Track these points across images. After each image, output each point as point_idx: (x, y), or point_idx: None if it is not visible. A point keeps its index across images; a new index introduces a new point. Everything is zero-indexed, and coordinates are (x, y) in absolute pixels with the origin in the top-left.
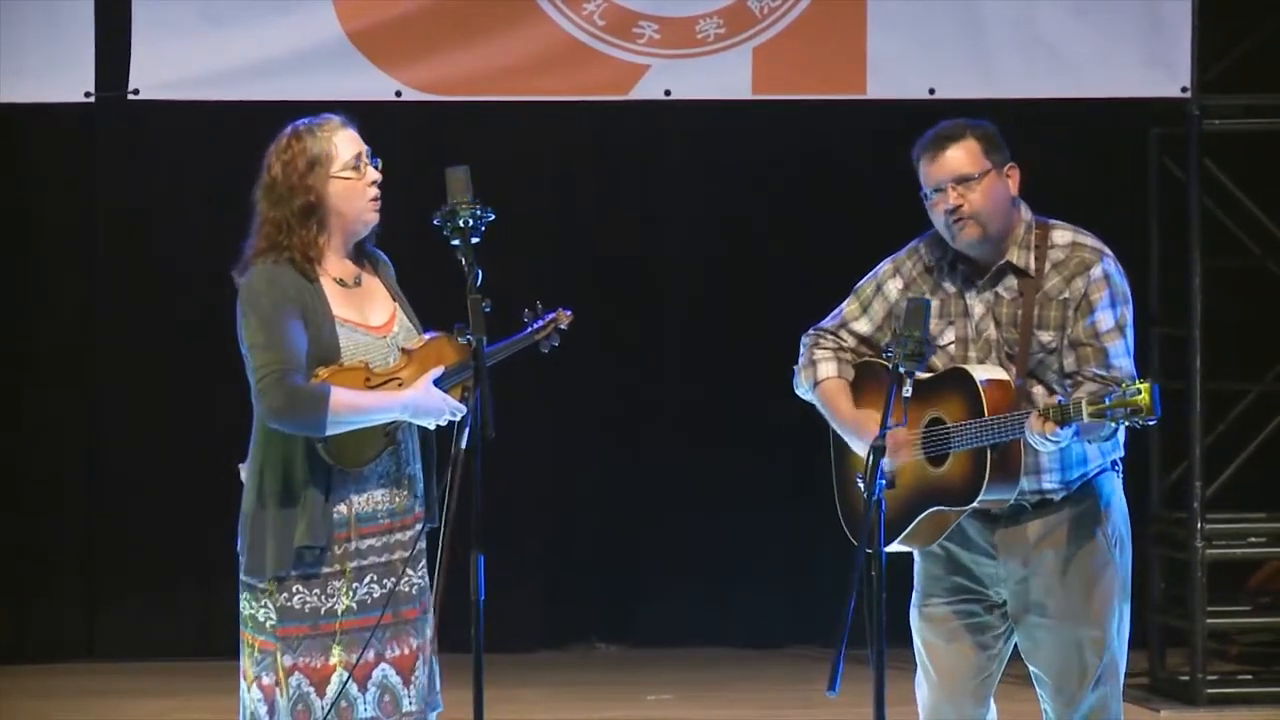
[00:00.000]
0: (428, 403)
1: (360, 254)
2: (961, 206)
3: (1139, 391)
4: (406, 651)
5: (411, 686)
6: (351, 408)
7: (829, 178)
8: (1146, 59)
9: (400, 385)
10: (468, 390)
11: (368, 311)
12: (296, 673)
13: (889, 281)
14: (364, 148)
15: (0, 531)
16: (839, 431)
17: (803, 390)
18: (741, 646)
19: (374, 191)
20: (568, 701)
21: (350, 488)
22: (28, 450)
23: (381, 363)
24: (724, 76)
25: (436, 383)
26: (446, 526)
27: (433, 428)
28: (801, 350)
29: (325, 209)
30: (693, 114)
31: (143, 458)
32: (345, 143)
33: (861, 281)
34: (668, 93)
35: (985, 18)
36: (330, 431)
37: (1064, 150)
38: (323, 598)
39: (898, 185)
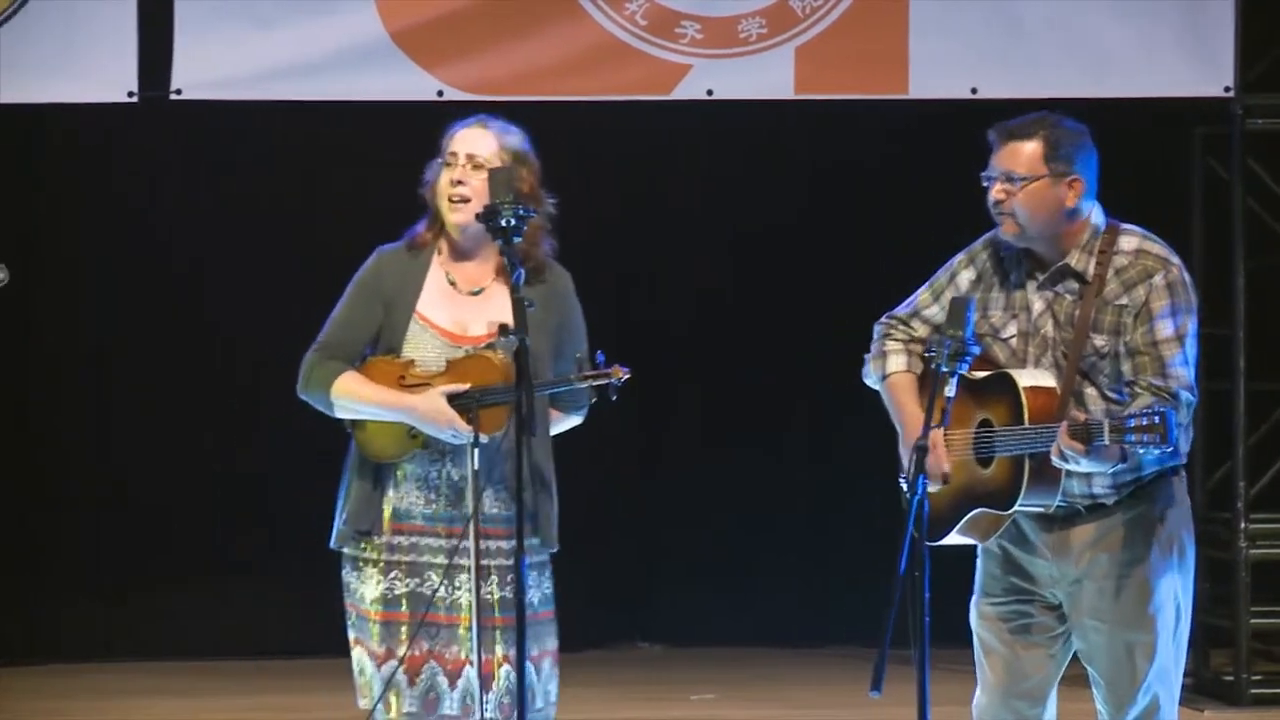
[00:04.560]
0: (429, 414)
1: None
2: (1003, 201)
3: (1157, 419)
4: (454, 658)
5: (456, 690)
6: (350, 395)
7: (859, 178)
8: (1189, 58)
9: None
10: (474, 416)
11: (468, 318)
12: (358, 646)
13: (962, 272)
14: (471, 149)
15: (12, 531)
16: (898, 429)
17: (871, 380)
18: (785, 646)
19: (451, 190)
20: (611, 701)
21: (389, 482)
22: (41, 450)
23: (439, 369)
24: (766, 76)
25: (462, 399)
26: (473, 538)
27: (454, 442)
28: (874, 339)
29: (433, 203)
30: (726, 113)
31: (159, 456)
32: (455, 141)
33: (938, 271)
34: (710, 93)
35: (1027, 17)
36: (338, 414)
37: (1106, 150)
38: (358, 581)
39: (923, 189)
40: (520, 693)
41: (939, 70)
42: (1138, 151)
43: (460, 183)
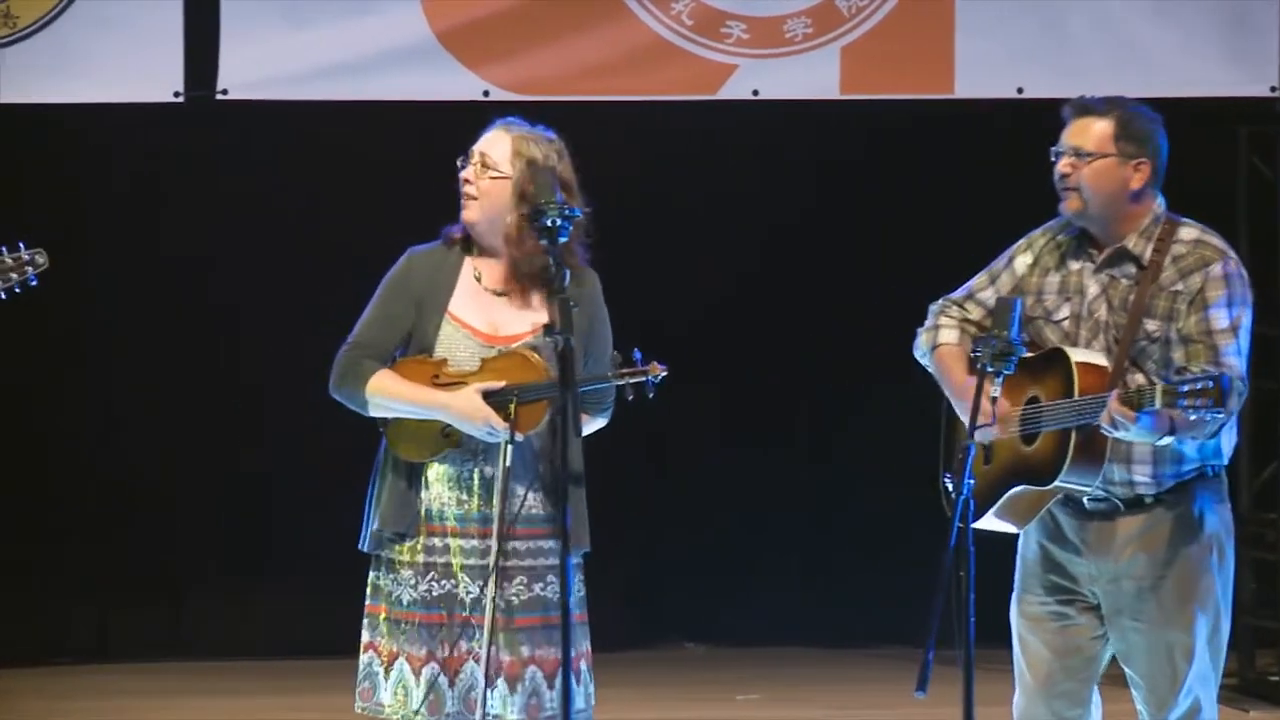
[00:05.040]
0: (465, 411)
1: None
2: (1068, 176)
3: (1211, 383)
4: (491, 658)
5: (494, 689)
6: (385, 393)
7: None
8: (1233, 57)
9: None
10: (510, 414)
11: (500, 319)
12: (370, 650)
13: (1019, 256)
14: (485, 148)
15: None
16: (949, 398)
17: (920, 353)
18: (830, 646)
19: (463, 188)
20: (656, 701)
21: (421, 483)
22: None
23: (472, 367)
24: (812, 76)
25: (498, 397)
26: (496, 536)
27: (490, 440)
28: (928, 316)
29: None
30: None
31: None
32: (479, 140)
33: (997, 257)
34: (755, 93)
35: (1071, 17)
36: (372, 413)
37: None
38: (395, 584)
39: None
40: (565, 695)
41: (985, 70)
42: (1182, 151)
43: (467, 181)
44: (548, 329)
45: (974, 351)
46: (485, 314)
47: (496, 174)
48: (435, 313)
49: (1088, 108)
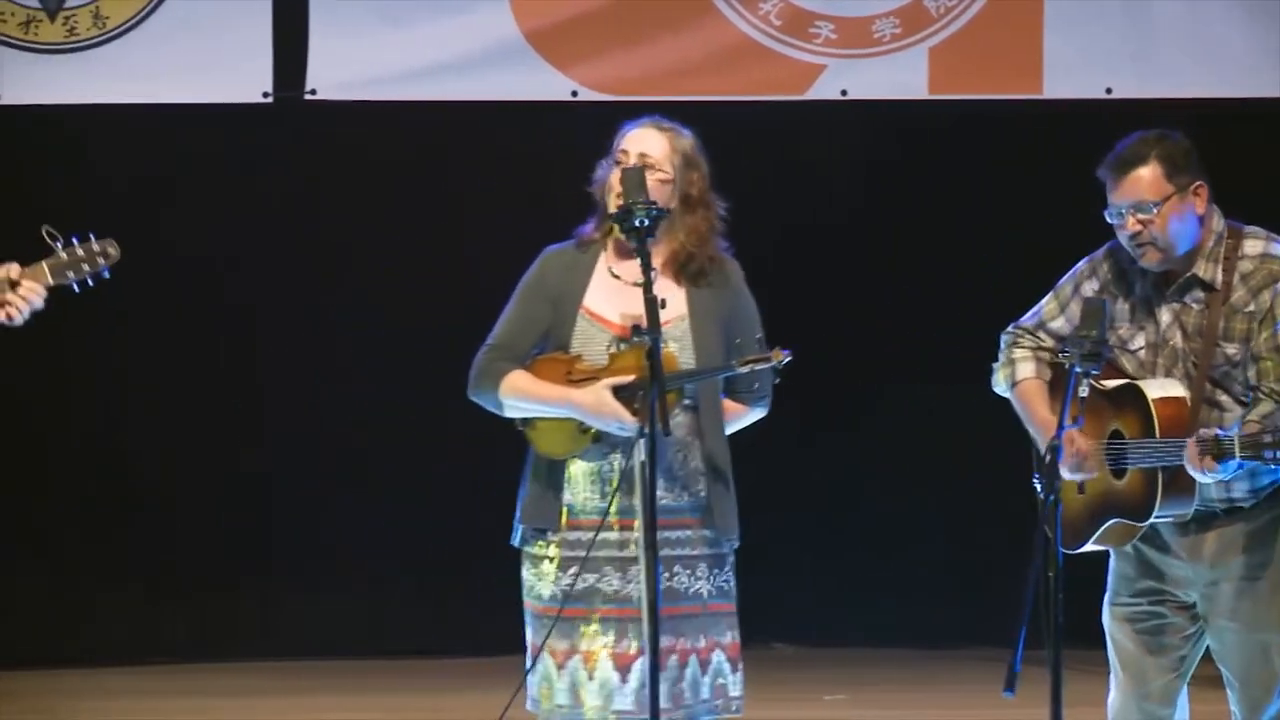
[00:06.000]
0: (594, 408)
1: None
2: (1141, 233)
3: None
4: (625, 651)
5: (629, 683)
6: (519, 393)
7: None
8: None
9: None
10: (639, 408)
11: (637, 311)
12: (528, 646)
13: (1085, 282)
14: (643, 147)
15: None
16: (1031, 434)
17: (1000, 389)
18: (918, 647)
19: (619, 187)
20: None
21: (563, 478)
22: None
23: (604, 362)
24: (900, 76)
25: (627, 391)
26: (643, 529)
27: (621, 434)
28: (1000, 348)
29: (601, 201)
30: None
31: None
32: (628, 140)
33: (1061, 280)
34: (844, 93)
35: (1159, 17)
36: (508, 413)
37: (1236, 151)
38: (537, 579)
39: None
40: (653, 683)
41: (1074, 71)
42: (1268, 152)
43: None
44: (636, 329)
45: (1063, 351)
46: (622, 307)
47: (663, 175)
48: (570, 309)
49: (1127, 160)
